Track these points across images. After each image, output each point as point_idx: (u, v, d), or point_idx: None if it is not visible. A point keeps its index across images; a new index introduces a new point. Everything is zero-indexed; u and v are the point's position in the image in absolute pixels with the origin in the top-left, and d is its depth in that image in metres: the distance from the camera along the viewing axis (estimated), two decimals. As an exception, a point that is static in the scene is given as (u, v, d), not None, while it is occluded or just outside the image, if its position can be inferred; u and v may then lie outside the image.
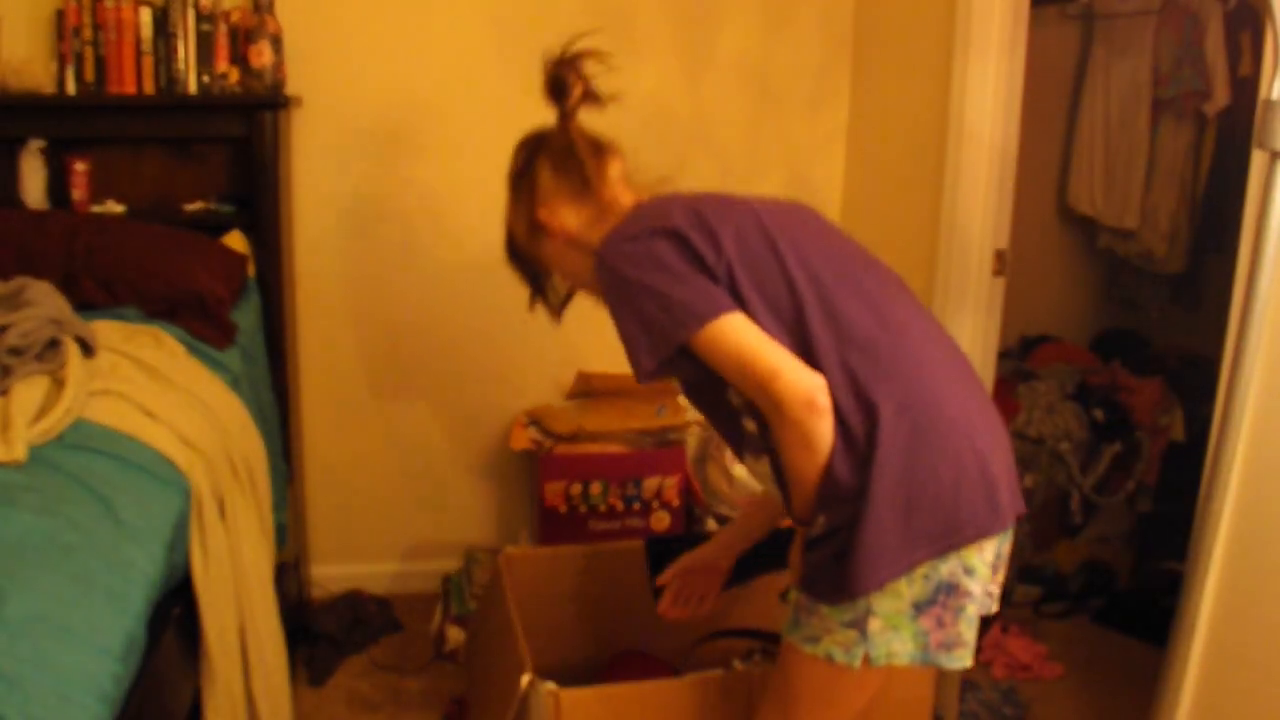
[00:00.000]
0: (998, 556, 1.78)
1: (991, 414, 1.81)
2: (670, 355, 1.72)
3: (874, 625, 1.70)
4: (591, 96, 1.98)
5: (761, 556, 2.30)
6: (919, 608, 1.70)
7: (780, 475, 1.81)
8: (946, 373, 1.77)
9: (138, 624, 1.71)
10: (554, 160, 1.96)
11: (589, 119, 1.99)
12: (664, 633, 2.51)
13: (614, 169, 1.96)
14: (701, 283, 1.70)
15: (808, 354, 1.69)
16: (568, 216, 1.94)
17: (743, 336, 1.68)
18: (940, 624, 1.71)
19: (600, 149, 1.97)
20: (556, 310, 2.12)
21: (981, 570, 1.72)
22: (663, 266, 1.71)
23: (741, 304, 1.71)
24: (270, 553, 2.52)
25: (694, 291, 1.69)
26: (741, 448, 1.92)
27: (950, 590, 1.70)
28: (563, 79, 1.97)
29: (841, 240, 1.89)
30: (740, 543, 2.29)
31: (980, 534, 1.70)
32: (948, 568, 1.69)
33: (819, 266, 1.77)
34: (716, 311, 1.68)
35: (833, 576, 1.70)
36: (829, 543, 1.71)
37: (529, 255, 2.02)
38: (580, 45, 1.98)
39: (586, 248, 1.89)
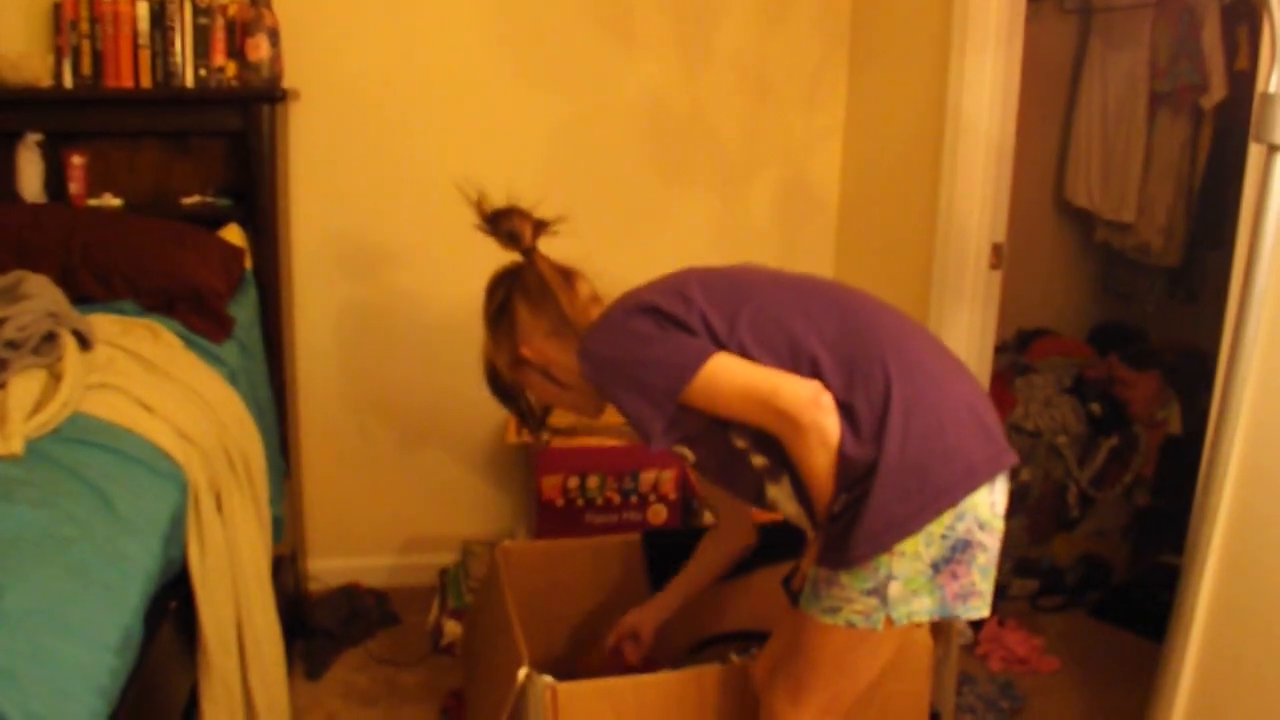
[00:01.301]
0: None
1: (966, 372, 1.91)
2: (674, 413, 1.82)
3: (894, 590, 1.76)
4: (543, 227, 2.11)
5: (760, 552, 2.31)
6: (936, 567, 1.77)
7: (800, 491, 1.87)
8: (919, 342, 1.88)
9: (134, 617, 1.71)
10: (530, 299, 2.11)
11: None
12: (661, 627, 2.52)
13: (584, 290, 2.10)
14: (682, 338, 1.81)
15: (795, 357, 1.79)
16: (548, 347, 2.08)
17: (735, 370, 1.78)
18: (955, 576, 1.78)
19: (569, 275, 2.11)
20: (537, 428, 2.36)
21: (995, 523, 1.80)
22: (642, 338, 1.83)
23: (721, 341, 1.81)
24: (267, 546, 2.52)
25: (677, 347, 1.80)
26: (761, 489, 1.97)
27: (965, 546, 1.77)
28: (510, 230, 2.10)
29: (790, 274, 2.01)
30: (688, 589, 2.45)
31: (993, 470, 1.78)
32: (964, 525, 1.76)
33: (777, 286, 1.92)
34: (703, 357, 1.78)
35: (853, 541, 1.75)
36: (845, 515, 1.77)
37: (511, 385, 2.22)
38: (509, 208, 2.12)
39: (568, 367, 2.02)
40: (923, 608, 1.79)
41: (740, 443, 1.90)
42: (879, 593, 1.76)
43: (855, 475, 1.75)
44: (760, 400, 1.76)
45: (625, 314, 1.89)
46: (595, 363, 1.88)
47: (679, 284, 1.90)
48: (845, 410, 1.76)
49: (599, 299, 2.09)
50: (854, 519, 1.74)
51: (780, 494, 1.94)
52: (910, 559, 1.75)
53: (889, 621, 1.78)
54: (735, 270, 1.98)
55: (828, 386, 1.76)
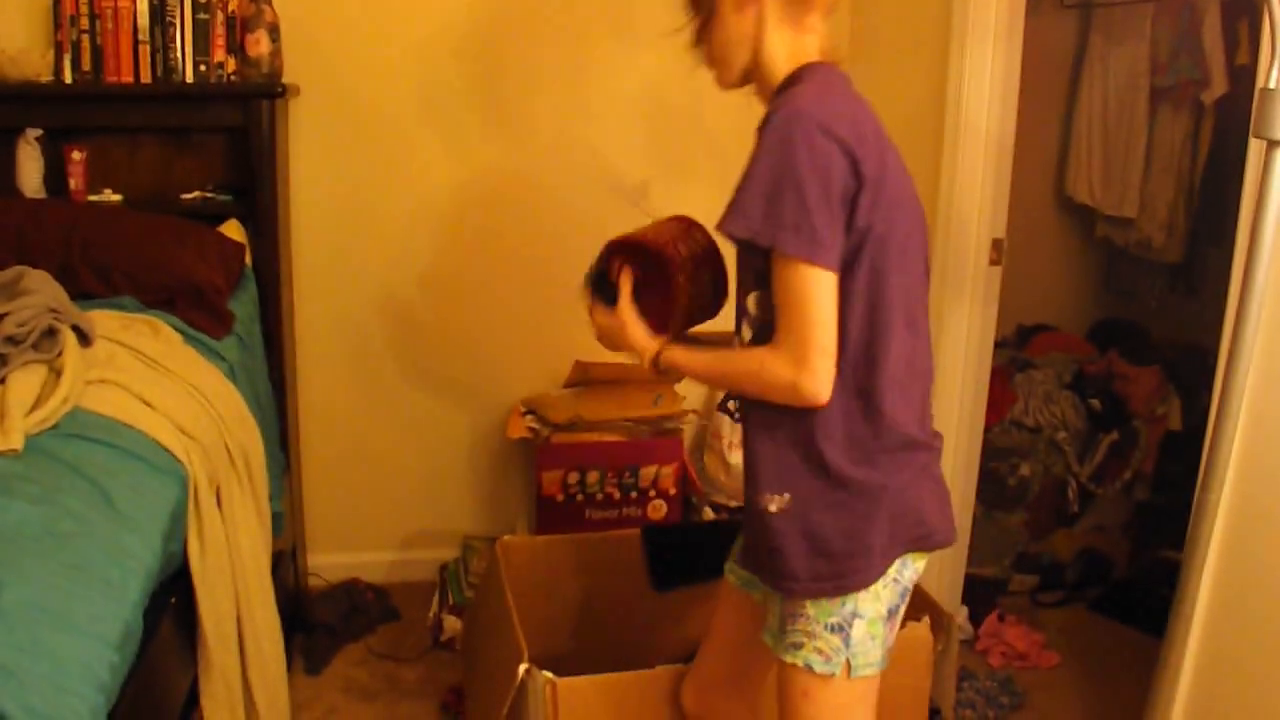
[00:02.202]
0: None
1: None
2: (758, 244, 1.62)
3: (858, 630, 1.71)
4: None
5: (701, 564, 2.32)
6: (892, 613, 1.75)
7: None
8: (925, 386, 1.81)
9: (134, 613, 1.71)
10: None
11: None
12: (661, 622, 2.52)
13: (821, 18, 1.83)
14: (837, 225, 1.60)
15: (853, 350, 1.66)
16: (769, 9, 1.80)
17: (821, 298, 1.60)
18: (892, 629, 1.77)
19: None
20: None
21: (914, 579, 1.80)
22: (825, 180, 1.59)
23: (845, 273, 1.64)
24: (267, 542, 2.52)
25: (826, 226, 1.58)
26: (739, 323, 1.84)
27: (905, 595, 1.78)
28: None
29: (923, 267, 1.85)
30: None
31: (943, 542, 1.79)
32: (909, 572, 1.76)
33: (908, 289, 1.74)
34: (826, 262, 1.59)
35: (821, 571, 1.70)
36: (795, 528, 1.71)
37: (709, 4, 1.92)
38: None
39: (766, 61, 1.82)
40: (876, 658, 1.74)
41: (751, 306, 1.76)
42: (843, 630, 1.70)
43: (824, 481, 1.69)
44: (794, 333, 1.60)
45: (841, 138, 1.61)
46: (782, 134, 1.61)
47: (889, 201, 1.68)
48: (845, 414, 1.67)
49: (821, 44, 1.83)
50: (818, 550, 1.69)
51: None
52: (872, 599, 1.71)
53: (848, 670, 1.71)
54: (914, 246, 1.79)
55: (856, 375, 1.66)
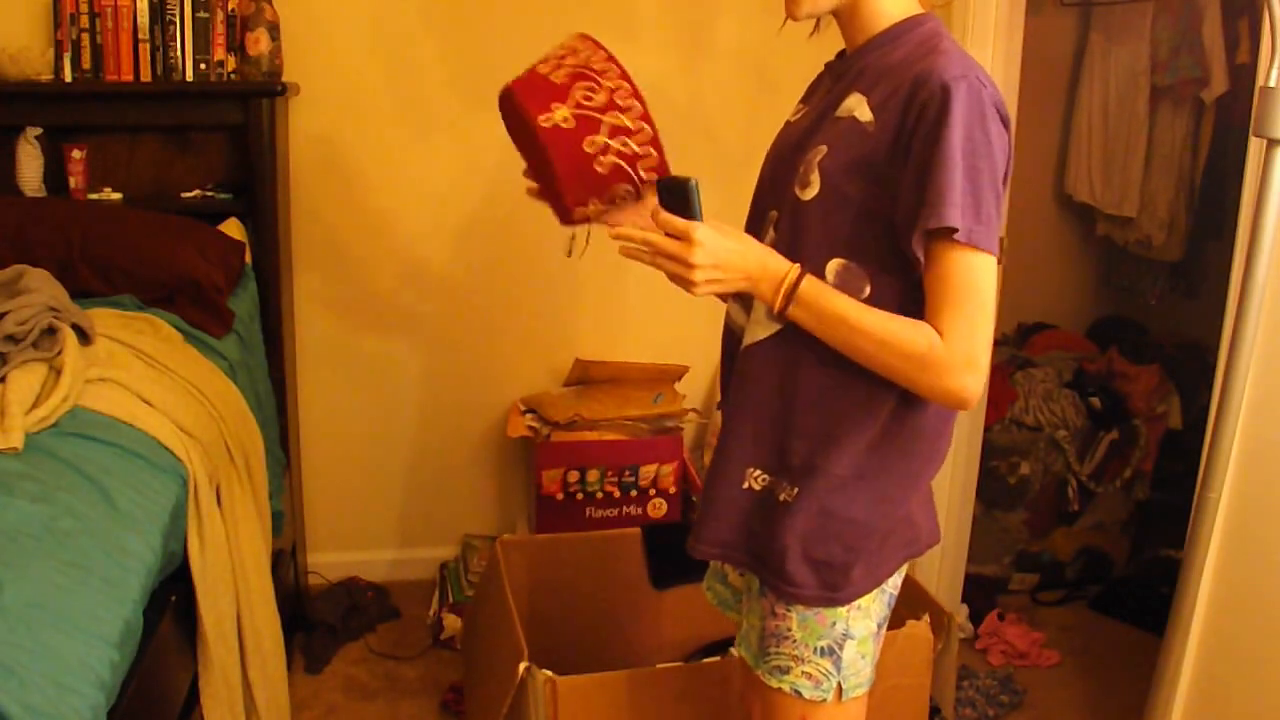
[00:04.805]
0: None
1: None
2: (960, 240, 1.41)
3: (850, 651, 1.60)
4: None
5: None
6: (880, 627, 1.65)
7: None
8: None
9: (135, 611, 1.71)
10: None
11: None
12: (661, 621, 2.52)
13: None
14: (1000, 208, 1.46)
15: None
16: None
17: (993, 295, 1.45)
18: (879, 643, 1.67)
19: None
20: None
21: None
22: (1003, 168, 1.45)
23: None
24: (267, 540, 2.52)
25: (996, 210, 1.44)
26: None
27: (890, 605, 1.67)
28: None
29: None
30: None
31: (931, 543, 1.70)
32: (893, 581, 1.64)
33: None
34: (996, 249, 1.44)
35: (821, 575, 1.57)
36: (796, 524, 1.56)
37: None
38: None
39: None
40: (865, 679, 1.64)
41: (831, 276, 1.52)
42: (834, 653, 1.59)
43: (844, 472, 1.54)
44: (974, 333, 1.42)
45: (1004, 120, 1.46)
46: (970, 108, 1.41)
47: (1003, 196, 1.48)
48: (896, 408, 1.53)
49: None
50: (818, 559, 1.56)
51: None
52: (863, 617, 1.60)
53: (839, 693, 1.60)
54: None
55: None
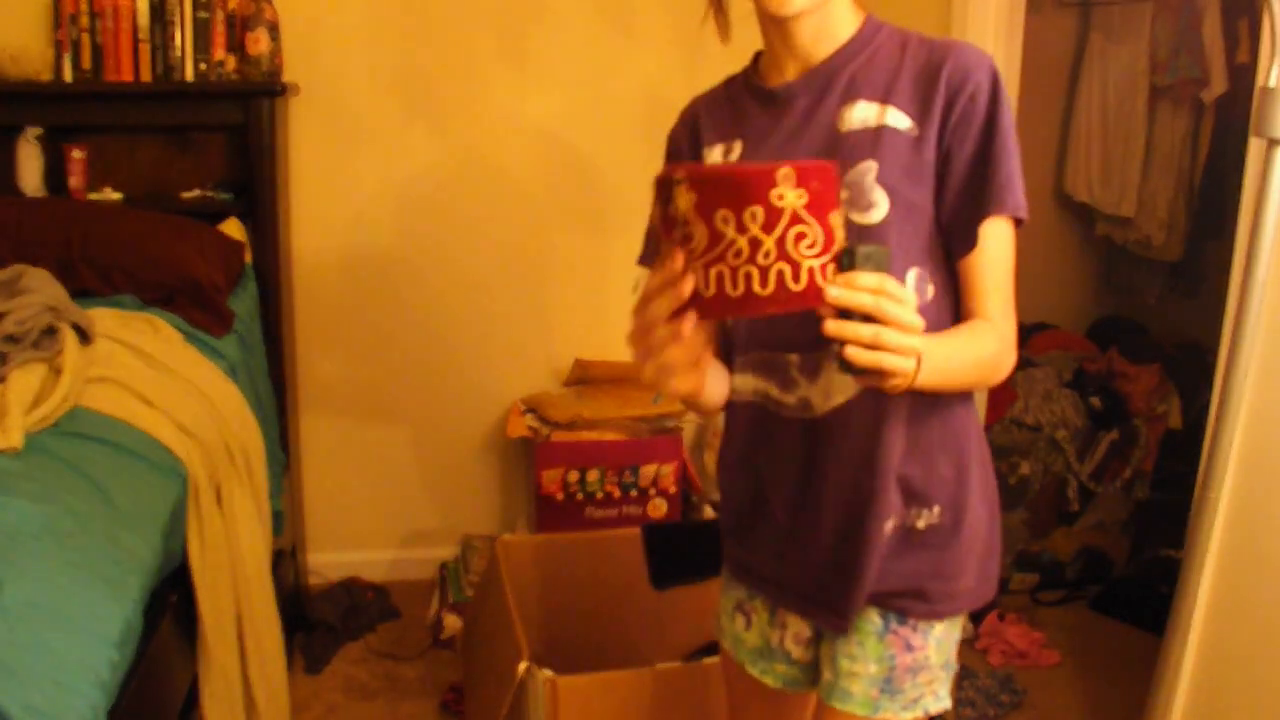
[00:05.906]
0: None
1: None
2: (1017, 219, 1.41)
3: (954, 659, 1.57)
4: None
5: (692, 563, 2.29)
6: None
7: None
8: None
9: (135, 611, 1.71)
10: None
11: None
12: (661, 621, 2.52)
13: None
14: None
15: None
16: None
17: (1011, 258, 1.44)
18: None
19: None
20: None
21: None
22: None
23: None
24: (267, 540, 2.52)
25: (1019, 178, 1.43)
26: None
27: None
28: None
29: None
30: None
31: None
32: None
33: None
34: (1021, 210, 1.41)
35: (979, 578, 1.55)
36: (930, 542, 1.52)
37: None
38: None
39: None
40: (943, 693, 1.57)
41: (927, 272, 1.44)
42: (950, 665, 1.55)
43: (970, 495, 1.56)
44: (1009, 312, 1.43)
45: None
46: (996, 89, 1.41)
47: None
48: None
49: None
50: (942, 570, 1.51)
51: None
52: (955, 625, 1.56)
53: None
54: None
55: None
